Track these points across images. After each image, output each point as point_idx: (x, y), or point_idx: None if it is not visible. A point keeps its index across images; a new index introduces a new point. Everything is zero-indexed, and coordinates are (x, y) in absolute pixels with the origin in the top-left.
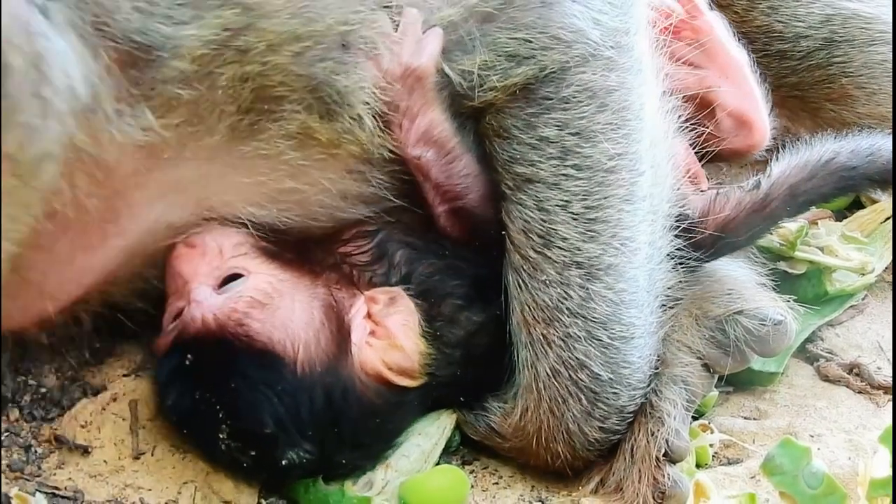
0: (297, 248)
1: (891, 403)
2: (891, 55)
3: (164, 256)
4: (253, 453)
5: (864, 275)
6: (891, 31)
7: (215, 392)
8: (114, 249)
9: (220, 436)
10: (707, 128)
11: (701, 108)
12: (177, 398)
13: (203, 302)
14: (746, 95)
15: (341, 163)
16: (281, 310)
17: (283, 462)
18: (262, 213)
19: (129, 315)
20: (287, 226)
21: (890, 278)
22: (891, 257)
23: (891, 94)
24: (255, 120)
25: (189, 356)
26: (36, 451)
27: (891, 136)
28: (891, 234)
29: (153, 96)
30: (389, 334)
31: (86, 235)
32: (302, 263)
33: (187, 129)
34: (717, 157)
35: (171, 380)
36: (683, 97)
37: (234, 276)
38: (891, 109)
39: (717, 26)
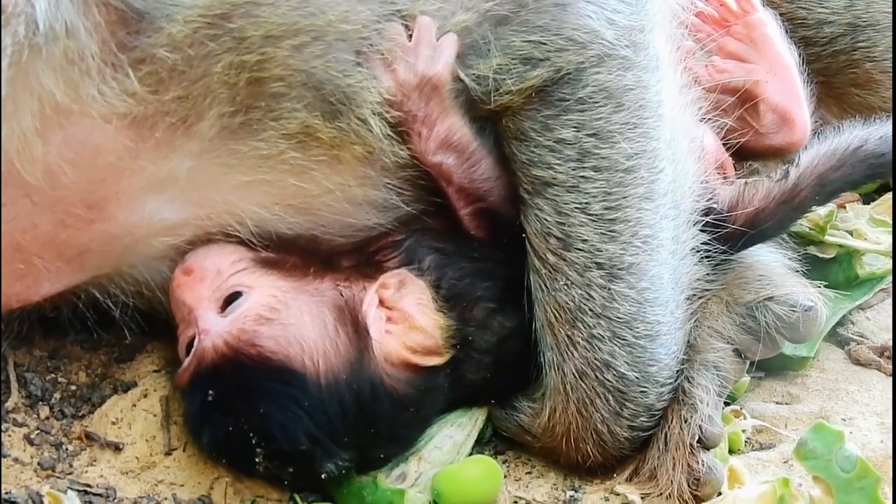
0: (300, 252)
1: None
2: None
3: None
4: (291, 470)
5: (893, 257)
6: None
7: (245, 420)
8: (102, 234)
9: (257, 459)
10: (750, 122)
11: (745, 102)
12: (210, 435)
13: (211, 329)
14: (791, 93)
15: (346, 165)
16: (292, 322)
17: (323, 474)
18: (266, 215)
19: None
20: (294, 231)
21: None
22: None
23: None
24: (253, 119)
25: (211, 392)
26: (67, 449)
27: None
28: None
29: (141, 65)
30: (406, 316)
31: (68, 215)
32: (306, 267)
33: (176, 112)
34: (755, 154)
35: (201, 418)
36: (728, 89)
37: (236, 294)
38: None
39: (770, 23)
